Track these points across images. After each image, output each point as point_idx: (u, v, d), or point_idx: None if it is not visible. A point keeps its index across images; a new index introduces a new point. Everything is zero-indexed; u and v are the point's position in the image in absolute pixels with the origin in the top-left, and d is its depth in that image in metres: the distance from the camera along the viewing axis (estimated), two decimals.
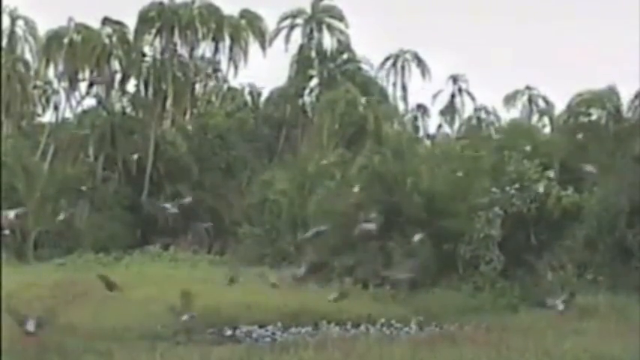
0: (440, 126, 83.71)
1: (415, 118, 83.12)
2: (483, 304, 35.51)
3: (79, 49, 64.24)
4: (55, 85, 68.09)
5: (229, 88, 76.12)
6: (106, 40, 65.18)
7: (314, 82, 72.87)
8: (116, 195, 59.57)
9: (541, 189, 40.19)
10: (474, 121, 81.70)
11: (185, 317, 28.43)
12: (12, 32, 69.30)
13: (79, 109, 66.88)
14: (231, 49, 70.84)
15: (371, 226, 38.28)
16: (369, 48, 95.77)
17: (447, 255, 39.03)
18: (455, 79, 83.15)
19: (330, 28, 73.34)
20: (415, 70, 78.08)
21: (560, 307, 31.85)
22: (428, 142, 73.00)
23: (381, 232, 40.10)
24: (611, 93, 48.47)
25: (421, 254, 38.74)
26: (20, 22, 69.94)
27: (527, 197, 39.76)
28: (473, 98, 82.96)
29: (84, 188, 57.34)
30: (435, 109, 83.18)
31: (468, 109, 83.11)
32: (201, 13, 67.67)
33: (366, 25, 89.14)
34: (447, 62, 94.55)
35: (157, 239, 56.13)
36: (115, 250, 52.81)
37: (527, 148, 44.38)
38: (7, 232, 48.12)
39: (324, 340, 25.93)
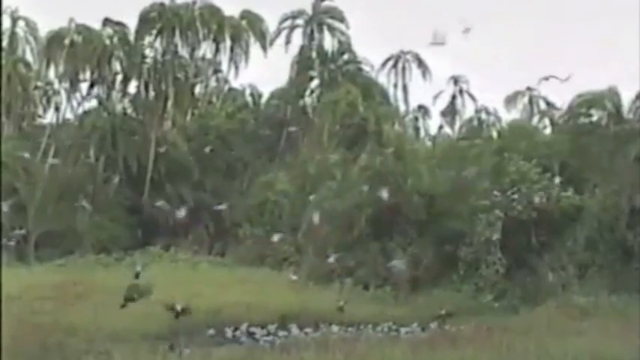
0: (441, 127, 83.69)
1: (416, 119, 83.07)
2: (484, 305, 35.55)
3: (79, 49, 64.19)
4: (56, 85, 68.03)
5: (230, 89, 76.10)
6: (107, 41, 65.12)
7: (315, 82, 72.82)
8: (117, 196, 59.56)
9: (541, 190, 40.22)
10: (475, 122, 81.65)
11: None
12: (13, 33, 69.26)
13: (80, 110, 66.88)
14: (232, 49, 70.84)
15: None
16: (370, 49, 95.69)
17: (448, 256, 39.05)
18: (456, 80, 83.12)
19: (330, 28, 73.30)
20: (416, 71, 78.09)
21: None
22: (429, 143, 73.00)
23: (382, 233, 40.16)
24: (612, 94, 48.38)
25: (422, 255, 38.84)
26: (21, 23, 69.93)
27: (528, 199, 39.75)
28: (474, 99, 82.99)
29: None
30: (435, 110, 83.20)
31: (468, 110, 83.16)
32: (202, 13, 67.64)
33: (366, 26, 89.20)
34: (447, 63, 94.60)
35: (158, 240, 56.17)
36: (115, 251, 52.86)
37: (528, 149, 44.48)
38: (11, 242, 48.31)
39: (325, 340, 25.94)
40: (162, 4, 66.05)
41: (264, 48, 72.14)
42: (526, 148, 46.25)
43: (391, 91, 77.09)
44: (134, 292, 30.87)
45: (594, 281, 37.51)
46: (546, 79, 47.00)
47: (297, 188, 52.58)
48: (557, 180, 42.28)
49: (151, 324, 29.08)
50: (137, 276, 35.02)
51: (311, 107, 71.45)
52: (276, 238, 47.22)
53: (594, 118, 48.76)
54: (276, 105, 73.60)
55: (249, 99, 77.12)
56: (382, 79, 76.64)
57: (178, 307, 29.13)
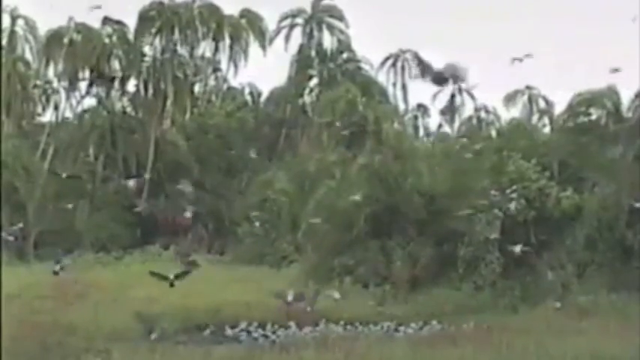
0: (440, 125, 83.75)
1: (415, 118, 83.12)
2: (483, 304, 35.53)
3: (79, 48, 64.23)
4: (55, 84, 68.07)
5: (229, 88, 76.13)
6: (106, 40, 65.18)
7: (314, 81, 72.86)
8: (116, 195, 59.57)
9: (540, 189, 40.22)
10: (474, 121, 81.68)
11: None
12: (12, 32, 69.26)
13: (79, 109, 66.94)
14: (231, 48, 70.91)
15: None
16: (370, 48, 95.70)
17: (447, 255, 39.03)
18: (455, 78, 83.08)
19: (330, 27, 73.37)
20: (415, 70, 78.08)
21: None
22: (428, 142, 73.00)
23: (381, 232, 40.14)
24: (611, 93, 48.38)
25: (421, 254, 38.84)
26: (20, 22, 69.90)
27: (527, 198, 39.74)
28: (473, 98, 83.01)
29: None
30: (435, 109, 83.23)
31: (468, 109, 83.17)
32: (202, 12, 67.70)
33: (366, 25, 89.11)
34: (446, 62, 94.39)
35: (157, 239, 56.19)
36: (115, 250, 52.89)
37: (527, 147, 44.45)
38: (11, 238, 48.30)
39: (325, 339, 25.93)
40: (161, 3, 66.10)
41: (263, 47, 72.23)
42: (525, 147, 46.20)
43: (390, 89, 77.20)
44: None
45: (594, 280, 37.52)
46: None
47: (297, 187, 52.55)
48: (555, 179, 42.22)
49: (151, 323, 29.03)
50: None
51: (310, 106, 71.49)
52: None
53: (594, 117, 48.75)
54: (275, 104, 73.64)
55: (248, 98, 77.16)
56: (381, 77, 76.77)
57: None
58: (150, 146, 61.61)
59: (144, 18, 65.58)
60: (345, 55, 72.93)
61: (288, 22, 73.56)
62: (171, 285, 28.96)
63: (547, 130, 69.08)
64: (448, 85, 66.69)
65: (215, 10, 68.36)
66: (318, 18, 73.37)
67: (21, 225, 49.45)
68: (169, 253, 53.29)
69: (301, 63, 72.50)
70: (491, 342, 24.52)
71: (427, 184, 40.94)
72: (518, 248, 36.50)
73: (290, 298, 30.36)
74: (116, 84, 65.97)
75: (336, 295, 35.48)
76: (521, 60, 49.37)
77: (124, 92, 66.81)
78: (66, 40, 64.50)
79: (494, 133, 68.56)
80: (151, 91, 65.99)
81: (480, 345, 24.03)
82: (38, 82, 68.32)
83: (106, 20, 65.60)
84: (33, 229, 53.29)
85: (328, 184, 45.67)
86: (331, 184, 45.51)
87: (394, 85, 77.97)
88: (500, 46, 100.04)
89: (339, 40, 73.14)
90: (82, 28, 64.93)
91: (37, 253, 52.75)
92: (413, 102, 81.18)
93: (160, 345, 24.85)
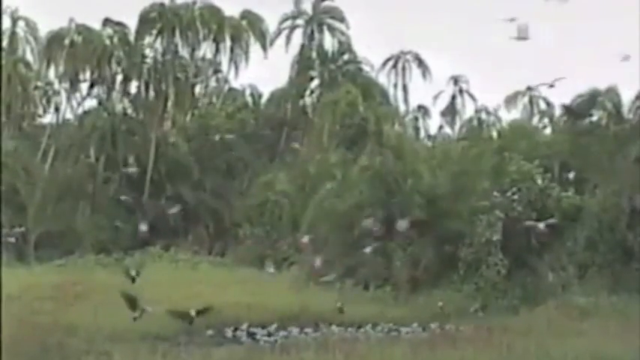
0: (441, 127, 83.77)
1: (416, 119, 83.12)
2: (484, 305, 35.52)
3: (79, 50, 64.23)
4: (56, 86, 68.07)
5: (230, 89, 76.10)
6: (107, 41, 65.17)
7: (315, 83, 72.84)
8: (117, 196, 59.51)
9: (541, 190, 40.21)
10: (475, 122, 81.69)
11: None
12: (13, 33, 69.25)
13: (80, 110, 66.95)
14: (232, 50, 70.87)
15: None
16: (370, 49, 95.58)
17: (448, 256, 39.01)
18: (456, 80, 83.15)
19: (330, 28, 73.35)
20: (416, 71, 78.11)
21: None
22: (429, 143, 73.04)
23: (382, 233, 40.15)
24: (612, 94, 48.41)
25: (422, 255, 38.84)
26: (21, 23, 69.90)
27: (528, 199, 39.73)
28: (474, 99, 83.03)
29: None
30: (435, 110, 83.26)
31: (468, 110, 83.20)
32: (202, 14, 67.67)
33: (366, 26, 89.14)
34: (447, 63, 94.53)
35: (158, 240, 56.13)
36: (115, 251, 52.84)
37: (528, 148, 44.49)
38: (12, 239, 48.34)
39: (325, 340, 25.92)
40: (162, 4, 66.08)
41: (264, 48, 72.19)
42: (526, 148, 46.22)
43: (391, 91, 77.18)
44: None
45: (594, 281, 37.51)
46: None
47: (297, 188, 52.56)
48: (556, 180, 42.22)
49: (151, 324, 29.04)
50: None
51: (311, 107, 71.47)
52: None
53: (594, 118, 48.79)
54: (276, 105, 73.58)
55: (249, 99, 77.14)
56: (382, 79, 76.75)
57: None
58: (150, 147, 61.60)
59: (145, 19, 65.58)
60: (345, 57, 72.89)
61: (288, 23, 73.52)
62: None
63: (548, 131, 69.08)
64: None
65: (216, 11, 68.34)
66: (319, 19, 73.33)
67: (23, 229, 49.58)
68: (170, 255, 53.34)
69: (302, 64, 72.45)
70: (491, 343, 24.51)
71: (428, 186, 40.96)
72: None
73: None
74: (117, 85, 65.98)
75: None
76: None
77: (124, 93, 66.80)
78: (67, 42, 64.51)
79: (495, 134, 68.62)
80: (151, 92, 65.99)
81: (481, 346, 24.02)
82: (39, 84, 68.32)
83: (107, 21, 65.60)
84: (33, 230, 53.25)
85: (329, 185, 45.72)
86: (332, 186, 45.55)
87: (395, 86, 78.03)
88: (500, 47, 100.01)
89: (339, 42, 73.12)
90: (83, 30, 64.94)
91: (37, 254, 52.72)
92: (414, 103, 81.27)
93: (160, 346, 24.83)
